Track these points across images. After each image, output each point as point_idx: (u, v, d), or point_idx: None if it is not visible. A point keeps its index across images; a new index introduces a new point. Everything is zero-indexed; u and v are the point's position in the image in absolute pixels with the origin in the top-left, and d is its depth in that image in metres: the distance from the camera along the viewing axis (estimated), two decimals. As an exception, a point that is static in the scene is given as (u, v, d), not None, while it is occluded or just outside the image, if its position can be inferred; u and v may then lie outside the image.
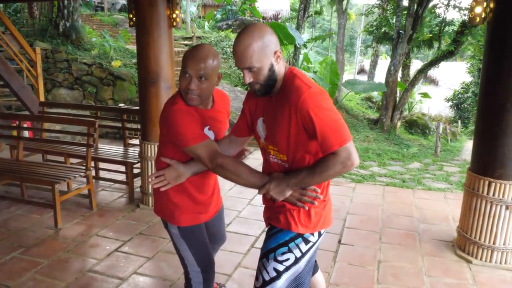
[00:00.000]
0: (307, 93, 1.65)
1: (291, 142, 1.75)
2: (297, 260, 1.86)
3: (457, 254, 3.60)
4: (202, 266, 2.22)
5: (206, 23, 16.17)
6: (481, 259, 3.45)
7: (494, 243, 3.38)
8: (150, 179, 2.12)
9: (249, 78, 1.72)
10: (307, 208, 1.81)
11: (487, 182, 3.33)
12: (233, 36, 13.19)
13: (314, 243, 1.90)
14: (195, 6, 19.49)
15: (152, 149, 4.30)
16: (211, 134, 2.08)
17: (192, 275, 2.24)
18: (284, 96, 1.73)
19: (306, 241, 1.87)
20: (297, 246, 1.85)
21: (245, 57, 1.67)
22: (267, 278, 1.85)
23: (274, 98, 1.79)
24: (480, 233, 3.43)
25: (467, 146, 13.12)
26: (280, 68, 1.75)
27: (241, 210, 4.53)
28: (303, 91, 1.66)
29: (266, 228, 2.02)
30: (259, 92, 1.76)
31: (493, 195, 3.31)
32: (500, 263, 3.40)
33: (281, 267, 1.84)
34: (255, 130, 1.95)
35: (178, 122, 1.91)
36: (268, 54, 1.69)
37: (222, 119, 2.20)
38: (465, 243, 3.55)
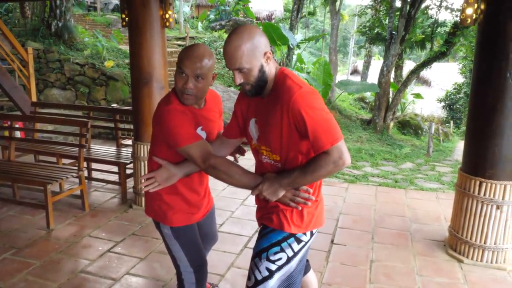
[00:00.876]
0: (298, 93, 1.66)
1: (283, 142, 1.76)
2: (289, 260, 1.87)
3: (448, 253, 3.63)
4: (195, 266, 2.22)
5: (200, 24, 16.16)
6: (472, 258, 3.47)
7: (485, 243, 3.41)
8: (141, 180, 2.12)
9: (239, 79, 1.72)
10: (300, 208, 1.82)
11: (478, 182, 3.36)
12: (226, 36, 13.18)
13: (306, 243, 1.92)
14: (188, 6, 19.47)
15: (145, 150, 4.29)
16: (203, 134, 2.08)
17: (184, 275, 2.24)
18: (276, 96, 1.74)
19: (299, 241, 1.88)
20: (290, 245, 1.87)
21: (235, 58, 1.68)
22: (259, 277, 1.85)
23: (266, 99, 1.80)
24: (471, 232, 3.45)
25: (459, 146, 13.22)
26: (271, 69, 1.76)
27: (234, 210, 4.53)
28: (295, 91, 1.67)
29: (259, 228, 2.02)
30: (250, 93, 1.77)
31: (484, 195, 3.34)
32: (491, 262, 3.43)
33: (273, 267, 1.85)
34: (247, 131, 1.95)
35: (172, 122, 1.91)
36: (258, 55, 1.69)
37: (215, 118, 2.20)
38: (457, 242, 3.58)
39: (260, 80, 1.73)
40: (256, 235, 3.86)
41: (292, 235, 1.87)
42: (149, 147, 4.19)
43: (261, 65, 1.71)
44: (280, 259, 1.86)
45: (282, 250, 1.86)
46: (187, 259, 2.19)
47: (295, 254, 1.88)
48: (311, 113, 1.65)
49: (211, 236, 2.58)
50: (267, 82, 1.76)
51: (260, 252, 1.88)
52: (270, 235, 1.89)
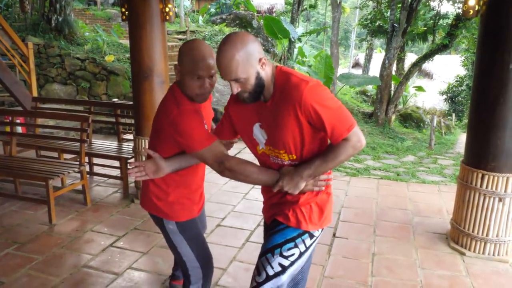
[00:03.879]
0: (307, 88, 1.64)
1: (299, 139, 1.75)
2: (301, 255, 1.87)
3: (450, 246, 3.62)
4: (201, 261, 2.21)
5: (200, 17, 16.09)
6: (474, 251, 3.47)
7: (487, 235, 3.40)
8: (129, 166, 2.08)
9: (236, 89, 1.69)
10: (323, 189, 1.85)
11: (480, 175, 3.35)
12: (227, 30, 13.14)
13: (317, 237, 1.93)
14: (189, 0, 19.39)
15: (146, 144, 4.28)
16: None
17: (191, 271, 2.22)
18: (283, 96, 1.71)
19: (311, 236, 1.89)
20: (303, 241, 1.86)
21: (230, 70, 1.64)
22: (271, 273, 1.83)
23: (269, 101, 1.76)
24: (473, 225, 3.45)
25: (461, 139, 13.19)
26: (267, 73, 1.73)
27: (236, 204, 4.53)
28: (303, 87, 1.65)
29: (262, 222, 2.01)
30: (249, 100, 1.74)
31: (486, 187, 3.33)
32: (493, 255, 3.43)
33: (286, 262, 1.84)
34: (251, 137, 1.90)
35: (188, 125, 1.85)
36: (253, 63, 1.66)
37: (210, 109, 2.20)
38: (459, 235, 3.58)
39: (257, 86, 1.70)
40: (259, 229, 3.87)
41: (307, 231, 1.86)
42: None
43: (257, 72, 1.68)
44: (293, 254, 1.85)
45: (296, 246, 1.85)
46: (194, 254, 2.18)
47: (307, 249, 1.88)
48: (324, 106, 1.65)
49: (202, 225, 2.58)
50: (265, 87, 1.73)
51: (273, 248, 1.86)
52: (285, 231, 1.87)
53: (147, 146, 4.26)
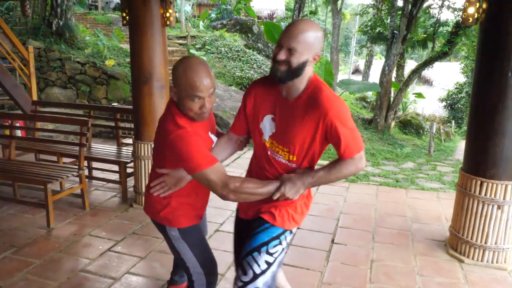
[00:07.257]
0: (338, 105, 1.75)
1: (308, 146, 1.83)
2: (283, 251, 1.98)
3: (449, 253, 3.61)
4: (205, 267, 2.20)
5: (201, 22, 16.14)
6: (473, 258, 3.46)
7: (485, 243, 3.40)
8: (151, 186, 2.06)
9: (283, 56, 1.73)
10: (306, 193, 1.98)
11: (479, 182, 3.35)
12: (227, 35, 13.17)
13: (295, 233, 2.08)
14: (189, 5, 19.46)
15: (146, 149, 4.28)
16: (213, 137, 2.09)
17: (195, 277, 2.20)
18: (310, 103, 1.78)
19: (291, 232, 2.02)
20: (286, 237, 1.98)
21: (295, 38, 1.70)
22: (258, 271, 1.90)
23: (294, 100, 1.83)
24: (472, 232, 3.44)
25: (461, 146, 13.18)
26: (308, 70, 1.80)
27: (235, 209, 4.50)
28: (334, 103, 1.75)
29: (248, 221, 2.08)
30: (280, 73, 1.76)
31: (485, 195, 3.33)
32: (492, 262, 3.42)
33: (271, 259, 1.92)
34: (257, 126, 1.95)
35: (187, 148, 1.80)
36: (312, 50, 1.75)
37: (211, 117, 2.17)
38: (457, 242, 3.57)
39: (297, 69, 1.74)
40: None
41: (289, 229, 1.98)
42: (149, 146, 4.22)
43: (307, 59, 1.75)
44: (277, 251, 1.94)
45: (280, 243, 1.95)
46: (197, 260, 2.17)
47: (288, 245, 2.01)
48: (346, 125, 1.76)
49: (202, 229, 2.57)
50: (299, 77, 1.78)
51: (260, 246, 1.92)
52: (271, 229, 1.94)
53: (146, 152, 4.26)
